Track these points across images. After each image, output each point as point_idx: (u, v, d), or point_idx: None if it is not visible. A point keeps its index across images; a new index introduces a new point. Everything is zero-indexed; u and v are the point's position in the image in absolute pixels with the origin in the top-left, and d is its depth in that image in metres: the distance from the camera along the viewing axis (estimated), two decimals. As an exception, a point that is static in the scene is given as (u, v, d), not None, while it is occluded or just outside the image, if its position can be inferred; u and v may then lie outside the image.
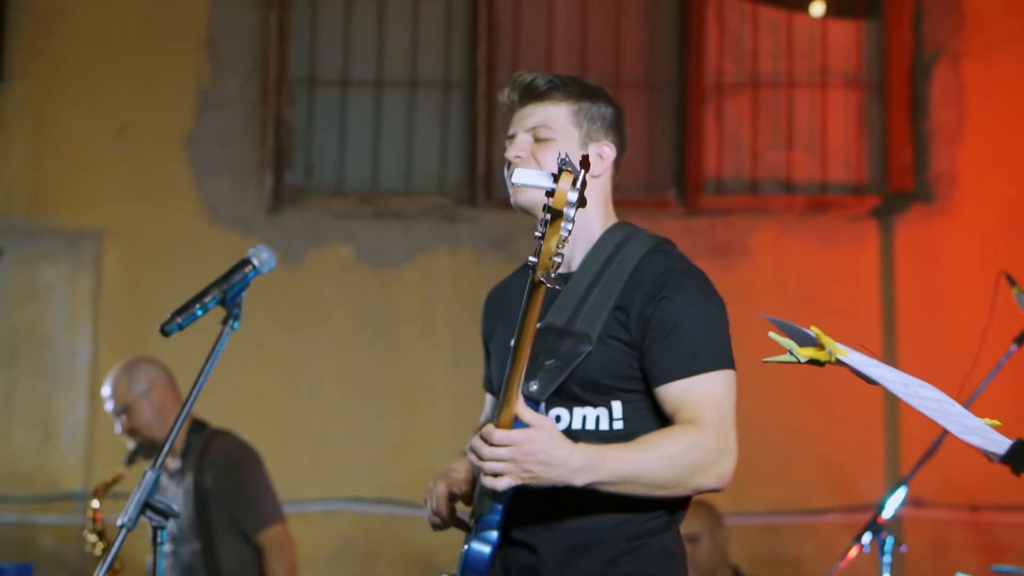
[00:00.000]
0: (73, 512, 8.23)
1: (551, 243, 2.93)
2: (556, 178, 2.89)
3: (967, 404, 5.52)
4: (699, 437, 3.34)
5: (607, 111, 3.65)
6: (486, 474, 3.23)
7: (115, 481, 6.26)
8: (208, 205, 8.53)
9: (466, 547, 3.41)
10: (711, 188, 8.61)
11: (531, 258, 2.97)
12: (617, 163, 3.67)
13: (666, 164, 8.65)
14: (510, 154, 3.58)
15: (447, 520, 3.60)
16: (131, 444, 6.06)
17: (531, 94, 3.60)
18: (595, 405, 3.45)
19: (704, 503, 6.75)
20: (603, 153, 3.61)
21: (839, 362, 2.99)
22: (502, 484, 3.23)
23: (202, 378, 3.83)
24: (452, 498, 3.62)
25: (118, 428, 6.03)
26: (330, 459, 8.33)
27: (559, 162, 2.91)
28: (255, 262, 3.92)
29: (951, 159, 8.42)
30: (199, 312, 3.93)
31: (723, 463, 3.36)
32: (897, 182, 8.45)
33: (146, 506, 3.73)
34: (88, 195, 8.52)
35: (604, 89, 3.70)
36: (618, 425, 3.44)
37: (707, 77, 8.64)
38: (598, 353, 3.40)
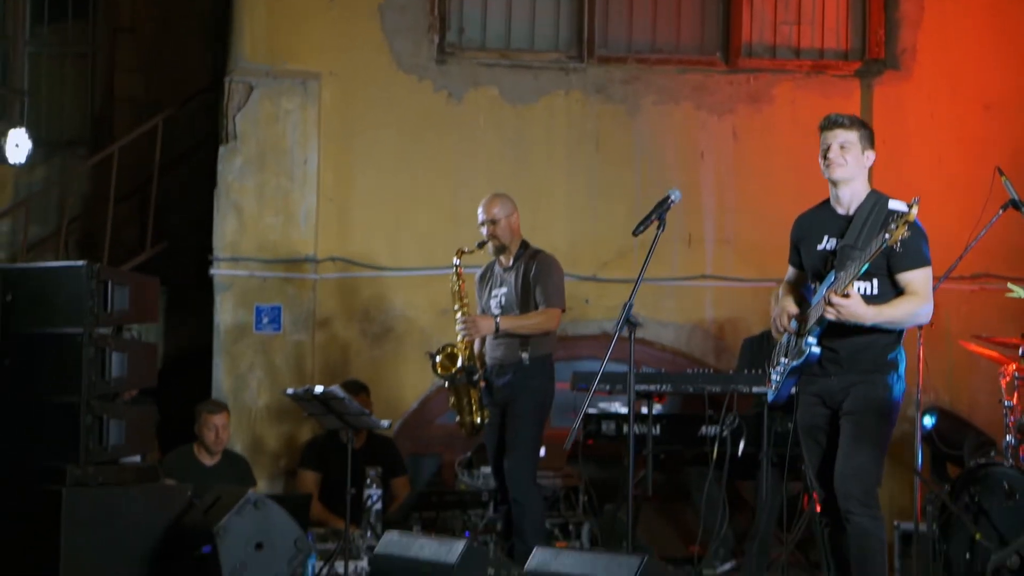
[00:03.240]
0: (306, 270, 11.46)
1: (900, 232, 6.48)
2: (909, 207, 6.46)
3: (962, 254, 9.03)
4: (918, 301, 6.93)
5: (871, 134, 7.10)
6: (827, 311, 6.78)
7: (471, 251, 9.18)
8: (395, 57, 11.73)
9: (808, 349, 6.93)
10: (745, 52, 12.02)
11: (885, 234, 6.48)
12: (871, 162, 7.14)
13: (714, 33, 12.05)
14: (831, 155, 7.00)
15: (787, 329, 7.14)
16: (484, 239, 9.12)
17: (838, 125, 7.05)
18: (864, 281, 6.98)
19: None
20: (869, 156, 7.05)
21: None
22: (831, 318, 6.81)
23: (649, 255, 7.16)
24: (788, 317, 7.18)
25: (483, 232, 9.12)
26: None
27: (912, 200, 6.46)
28: (672, 197, 7.34)
29: (913, 38, 11.94)
30: (648, 223, 7.27)
31: (928, 313, 6.99)
32: (874, 53, 12.00)
33: (626, 320, 7.12)
34: (311, 47, 11.64)
35: (866, 122, 7.17)
36: (875, 291, 6.95)
37: (745, -33, 11.97)
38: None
